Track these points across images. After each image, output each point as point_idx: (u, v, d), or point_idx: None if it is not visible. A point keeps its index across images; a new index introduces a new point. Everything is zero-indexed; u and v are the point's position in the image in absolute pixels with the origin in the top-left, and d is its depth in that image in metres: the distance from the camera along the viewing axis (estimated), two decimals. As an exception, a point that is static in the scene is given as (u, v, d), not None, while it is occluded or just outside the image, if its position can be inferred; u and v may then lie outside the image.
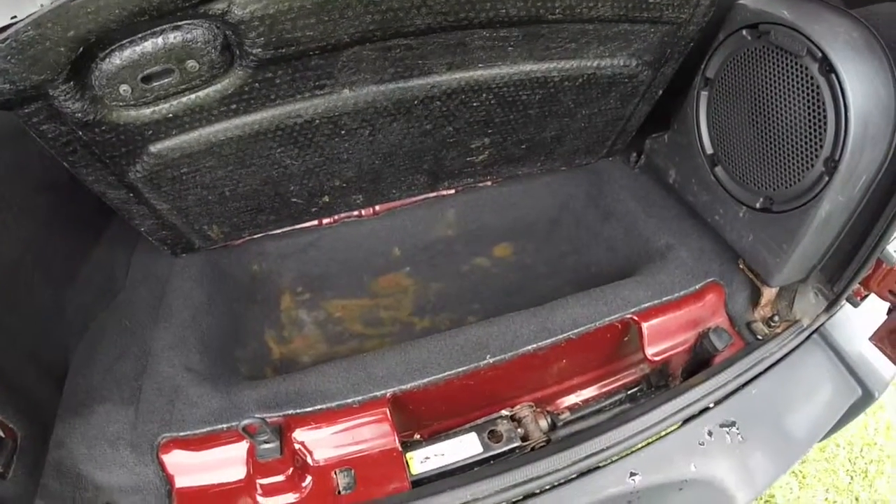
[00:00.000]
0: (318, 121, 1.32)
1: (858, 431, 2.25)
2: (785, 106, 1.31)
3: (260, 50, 1.08)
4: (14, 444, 1.18)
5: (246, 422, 1.18)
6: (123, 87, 1.07)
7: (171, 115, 1.17)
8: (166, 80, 1.09)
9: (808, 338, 1.50)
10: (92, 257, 1.61)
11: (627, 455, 1.29)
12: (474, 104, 1.43)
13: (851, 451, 2.21)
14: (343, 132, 1.38)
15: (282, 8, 1.01)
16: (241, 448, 1.26)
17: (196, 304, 1.54)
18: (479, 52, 1.29)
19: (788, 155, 1.33)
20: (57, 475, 1.23)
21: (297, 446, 1.26)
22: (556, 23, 1.26)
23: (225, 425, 1.28)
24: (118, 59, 1.02)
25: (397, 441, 1.27)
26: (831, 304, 1.45)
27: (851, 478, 2.17)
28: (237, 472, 1.26)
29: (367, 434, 1.27)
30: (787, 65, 1.29)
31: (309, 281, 1.81)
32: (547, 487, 1.23)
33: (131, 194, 1.38)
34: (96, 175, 1.29)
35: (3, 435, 1.16)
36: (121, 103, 1.11)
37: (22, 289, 1.38)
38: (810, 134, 1.27)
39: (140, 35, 1.00)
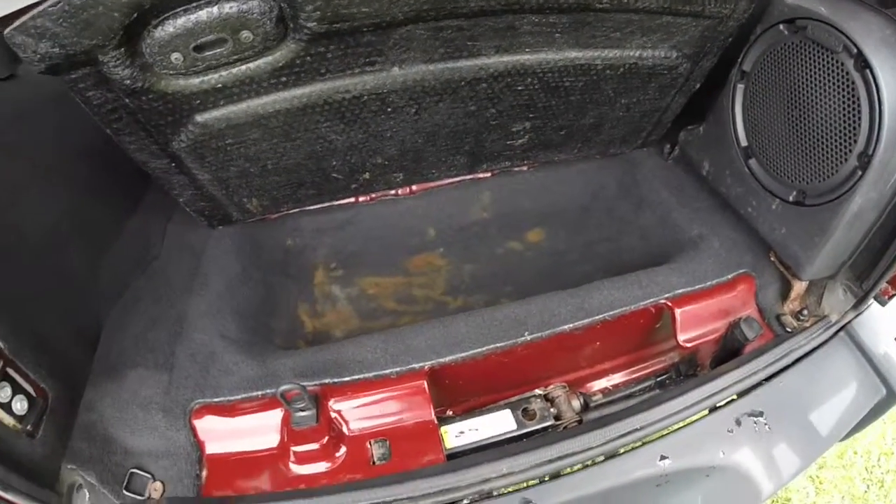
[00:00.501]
0: (366, 97, 1.33)
1: (876, 440, 2.25)
2: (820, 100, 1.33)
3: (315, 24, 1.08)
4: (45, 403, 1.19)
5: (285, 387, 1.18)
6: (175, 56, 1.07)
7: (220, 85, 1.18)
8: (219, 49, 1.09)
9: (835, 334, 1.50)
10: (127, 226, 1.63)
11: (658, 438, 1.30)
12: (519, 88, 1.45)
13: (869, 459, 2.21)
14: (389, 109, 1.39)
15: None
16: (275, 416, 1.28)
17: (231, 274, 1.56)
18: (527, 36, 1.30)
19: (822, 149, 1.35)
20: (86, 437, 1.24)
21: (332, 415, 1.27)
22: (603, 11, 1.27)
23: (260, 392, 1.29)
24: (171, 26, 1.02)
25: (433, 414, 1.28)
26: (859, 302, 1.46)
27: (868, 486, 2.16)
28: (270, 440, 1.27)
29: (404, 406, 1.28)
30: (822, 60, 1.32)
31: (343, 257, 1.82)
32: (580, 466, 1.23)
33: (173, 164, 1.39)
34: (139, 143, 1.29)
35: (34, 394, 1.17)
36: (171, 71, 1.11)
37: (58, 253, 1.39)
38: (845, 129, 1.29)
39: (195, 4, 1.00)
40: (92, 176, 1.56)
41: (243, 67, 1.16)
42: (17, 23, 0.93)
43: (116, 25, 0.97)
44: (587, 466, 1.24)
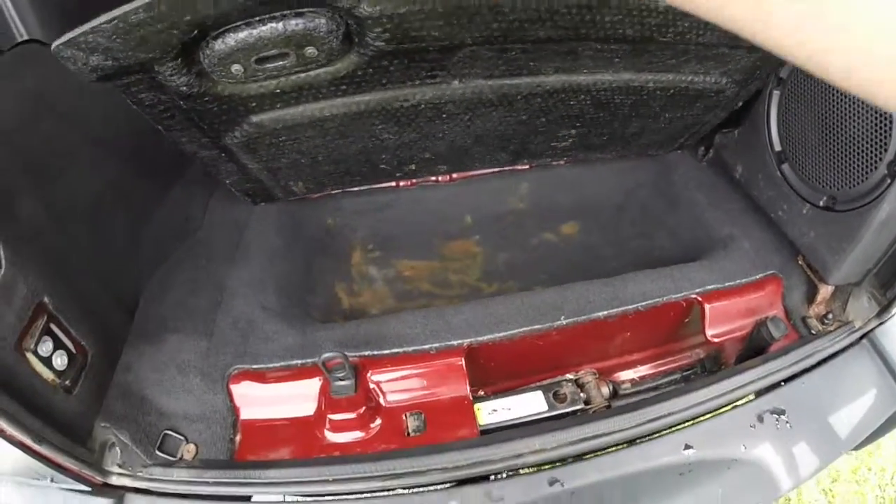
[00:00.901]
0: (423, 105, 1.34)
1: (891, 458, 2.26)
2: (853, 109, 1.37)
3: (382, 43, 1.06)
4: (84, 360, 1.23)
5: (327, 355, 1.21)
6: (235, 67, 1.04)
7: (278, 90, 1.16)
8: (281, 62, 1.06)
9: (858, 340, 1.53)
10: (169, 198, 1.67)
11: (684, 428, 1.32)
12: (571, 103, 1.47)
13: (882, 477, 2.22)
14: (444, 116, 1.41)
15: (413, 10, 0.99)
16: (313, 384, 1.31)
17: (272, 249, 1.60)
18: (587, 60, 1.31)
19: (854, 156, 1.38)
20: (121, 397, 1.28)
21: (371, 386, 1.30)
22: (664, 42, 1.28)
23: (299, 361, 1.32)
24: (233, 40, 0.98)
25: (469, 390, 1.31)
26: (883, 310, 1.48)
27: (879, 504, 2.18)
28: (307, 408, 1.31)
29: (441, 381, 1.32)
30: (857, 71, 1.37)
31: (380, 240, 1.87)
32: (608, 448, 1.26)
33: (223, 154, 1.41)
34: (190, 137, 1.30)
35: (74, 351, 1.21)
36: (230, 80, 1.08)
37: (102, 220, 1.44)
38: (876, 137, 1.32)
39: (258, 18, 0.95)
40: (137, 148, 1.60)
41: (303, 76, 1.14)
42: (66, 38, 0.90)
43: (175, 41, 0.94)
44: (614, 449, 1.26)
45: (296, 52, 1.03)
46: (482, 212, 1.94)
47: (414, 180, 1.88)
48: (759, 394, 1.40)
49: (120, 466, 1.22)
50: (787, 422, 1.39)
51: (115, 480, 1.19)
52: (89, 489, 1.19)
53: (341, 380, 1.26)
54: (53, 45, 0.92)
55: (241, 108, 1.22)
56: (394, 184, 1.87)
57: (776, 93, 1.59)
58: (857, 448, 1.59)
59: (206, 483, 1.20)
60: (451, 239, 1.89)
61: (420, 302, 1.71)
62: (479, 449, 1.19)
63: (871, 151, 1.34)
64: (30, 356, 1.12)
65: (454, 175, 1.90)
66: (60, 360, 1.18)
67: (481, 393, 1.41)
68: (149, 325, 1.42)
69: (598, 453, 1.26)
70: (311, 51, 1.04)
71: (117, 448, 1.24)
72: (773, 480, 1.34)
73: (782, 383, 1.42)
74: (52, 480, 1.16)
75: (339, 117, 1.31)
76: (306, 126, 1.32)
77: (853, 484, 2.19)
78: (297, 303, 1.54)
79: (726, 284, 1.49)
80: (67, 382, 1.19)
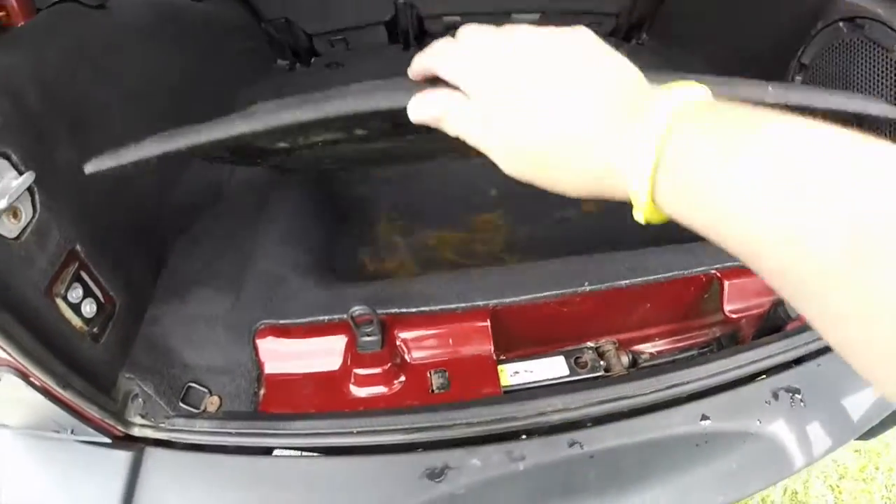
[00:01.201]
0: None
1: (899, 457, 2.28)
2: (873, 94, 1.42)
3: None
4: (112, 310, 1.25)
5: (357, 309, 1.23)
6: (281, 144, 1.05)
7: (320, 143, 1.14)
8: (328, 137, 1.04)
9: (872, 327, 1.55)
10: (196, 161, 1.69)
11: (700, 399, 1.34)
12: None
13: (889, 477, 2.23)
14: None
15: None
16: (339, 340, 1.32)
17: (300, 212, 1.62)
18: None
19: (871, 141, 1.43)
20: (146, 349, 1.29)
21: (397, 343, 1.32)
22: None
23: (326, 317, 1.33)
24: (279, 130, 0.91)
25: (493, 351, 1.32)
26: (894, 297, 1.52)
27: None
28: (332, 363, 1.32)
29: (466, 340, 1.33)
30: (878, 57, 1.40)
31: (406, 209, 1.89)
32: (627, 412, 1.27)
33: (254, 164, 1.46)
34: (224, 163, 1.36)
35: (103, 300, 1.22)
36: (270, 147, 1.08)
37: (133, 178, 1.45)
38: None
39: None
40: (167, 109, 1.63)
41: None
42: (101, 166, 0.91)
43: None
44: (633, 415, 1.28)
45: (344, 133, 1.02)
46: (507, 186, 1.92)
47: None
48: (774, 370, 1.42)
49: (142, 417, 1.23)
50: (801, 400, 1.40)
51: (136, 432, 1.19)
52: (109, 441, 1.19)
53: (368, 335, 1.27)
54: (87, 170, 0.91)
55: (280, 154, 1.24)
56: None
57: (798, 78, 1.63)
58: (865, 437, 1.61)
59: (229, 434, 1.20)
60: (476, 211, 1.91)
61: (443, 270, 1.71)
62: (504, 406, 1.20)
63: (891, 136, 1.38)
64: (59, 301, 1.13)
65: (480, 149, 1.91)
66: (89, 308, 1.19)
67: (503, 358, 1.43)
68: (177, 281, 1.44)
69: (617, 419, 1.28)
70: (359, 132, 1.01)
71: (140, 399, 1.25)
72: (786, 457, 1.35)
73: (796, 363, 1.44)
74: (72, 432, 1.17)
75: (377, 150, 1.32)
76: (344, 153, 1.34)
77: (860, 482, 2.19)
78: (324, 263, 1.55)
79: (745, 263, 1.51)
80: (95, 330, 1.20)
